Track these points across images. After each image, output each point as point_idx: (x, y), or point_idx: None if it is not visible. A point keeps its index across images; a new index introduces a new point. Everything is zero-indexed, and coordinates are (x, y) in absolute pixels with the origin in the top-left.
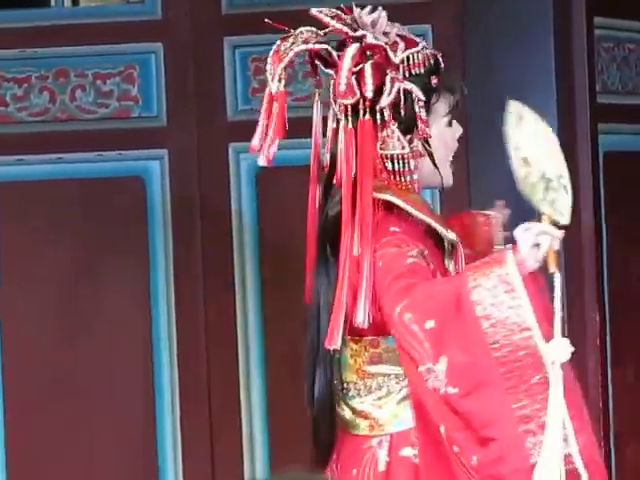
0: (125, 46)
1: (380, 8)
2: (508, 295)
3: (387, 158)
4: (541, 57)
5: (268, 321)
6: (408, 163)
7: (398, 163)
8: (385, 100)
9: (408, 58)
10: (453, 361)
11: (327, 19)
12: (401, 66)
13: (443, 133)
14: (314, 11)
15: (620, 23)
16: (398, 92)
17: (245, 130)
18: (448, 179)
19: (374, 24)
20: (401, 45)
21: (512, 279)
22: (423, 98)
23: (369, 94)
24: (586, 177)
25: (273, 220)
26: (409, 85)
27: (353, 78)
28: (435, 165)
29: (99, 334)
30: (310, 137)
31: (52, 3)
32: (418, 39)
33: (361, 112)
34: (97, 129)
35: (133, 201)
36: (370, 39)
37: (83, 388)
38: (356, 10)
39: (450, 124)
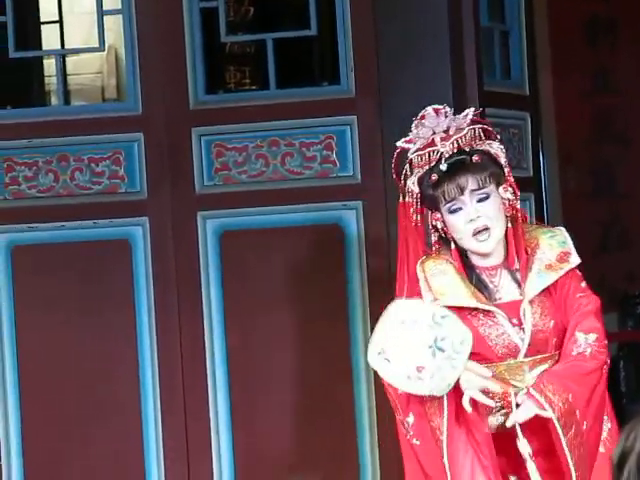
0: (113, 136)
1: (443, 110)
2: None
3: None
4: None
5: (231, 352)
6: (435, 236)
7: (432, 236)
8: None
9: (414, 159)
10: None
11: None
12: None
13: (447, 218)
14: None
15: (505, 112)
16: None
17: (210, 201)
18: (471, 247)
19: (429, 125)
20: (414, 147)
21: None
22: (416, 191)
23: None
24: None
25: (234, 273)
26: (411, 180)
27: None
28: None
29: (96, 368)
30: (262, 206)
31: (53, 102)
32: (440, 142)
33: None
34: (92, 202)
35: (121, 259)
36: (400, 143)
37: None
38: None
39: (452, 212)
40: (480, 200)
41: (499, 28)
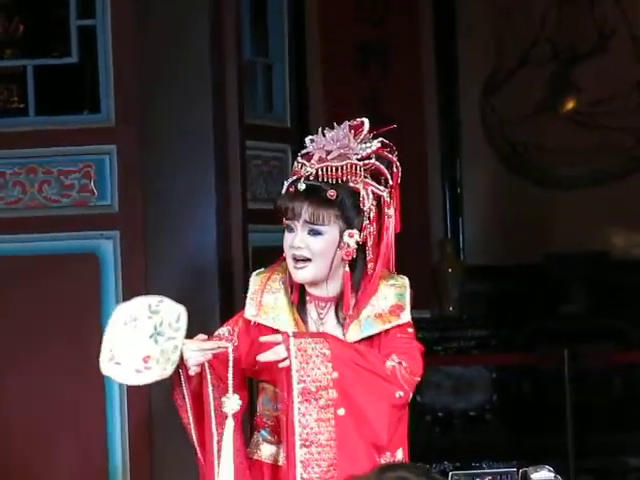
0: None
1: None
2: None
3: None
4: (204, 174)
5: None
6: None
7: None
8: None
9: (294, 163)
10: None
11: None
12: None
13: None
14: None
15: (266, 145)
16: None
17: None
18: (289, 270)
19: (327, 137)
20: (301, 152)
21: None
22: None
23: None
24: (239, 268)
25: None
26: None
27: None
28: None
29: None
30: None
31: None
32: (314, 160)
33: None
34: None
35: None
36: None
37: None
38: None
39: (286, 228)
40: (311, 233)
41: (263, 62)
